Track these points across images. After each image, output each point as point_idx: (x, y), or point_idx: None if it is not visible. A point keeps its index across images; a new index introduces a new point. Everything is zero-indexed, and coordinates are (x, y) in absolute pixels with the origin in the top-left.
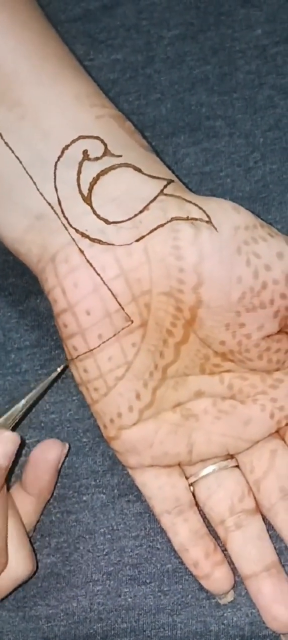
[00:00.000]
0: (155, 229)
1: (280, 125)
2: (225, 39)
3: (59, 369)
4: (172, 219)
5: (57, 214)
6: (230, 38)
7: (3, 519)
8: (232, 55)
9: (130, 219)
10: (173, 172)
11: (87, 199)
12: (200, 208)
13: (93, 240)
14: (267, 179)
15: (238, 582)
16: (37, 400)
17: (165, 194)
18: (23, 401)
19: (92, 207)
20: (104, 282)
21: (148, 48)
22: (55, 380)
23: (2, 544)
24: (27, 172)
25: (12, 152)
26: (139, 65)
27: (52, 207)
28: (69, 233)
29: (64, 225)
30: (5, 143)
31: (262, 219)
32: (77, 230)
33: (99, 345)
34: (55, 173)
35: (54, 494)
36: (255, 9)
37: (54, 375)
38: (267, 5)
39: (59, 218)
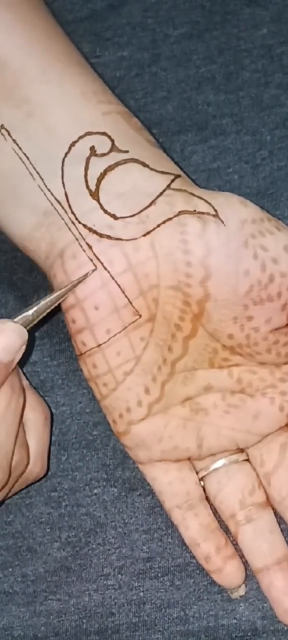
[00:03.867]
0: (163, 223)
1: (287, 124)
2: (231, 38)
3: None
4: (179, 213)
5: (64, 210)
6: (235, 37)
7: (16, 418)
8: (237, 54)
9: (137, 213)
10: (181, 168)
11: (95, 195)
12: (207, 202)
13: (101, 235)
14: (275, 176)
15: (250, 576)
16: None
17: (172, 189)
18: (35, 308)
19: (99, 203)
20: (112, 277)
21: (154, 46)
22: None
23: (10, 448)
24: (34, 169)
25: (20, 148)
26: (145, 63)
27: (60, 203)
28: (77, 229)
29: (71, 221)
30: (13, 140)
31: (270, 214)
32: (85, 226)
33: (107, 340)
34: (62, 169)
35: (65, 486)
36: (260, 9)
37: (70, 285)
38: (273, 5)
39: (67, 214)
